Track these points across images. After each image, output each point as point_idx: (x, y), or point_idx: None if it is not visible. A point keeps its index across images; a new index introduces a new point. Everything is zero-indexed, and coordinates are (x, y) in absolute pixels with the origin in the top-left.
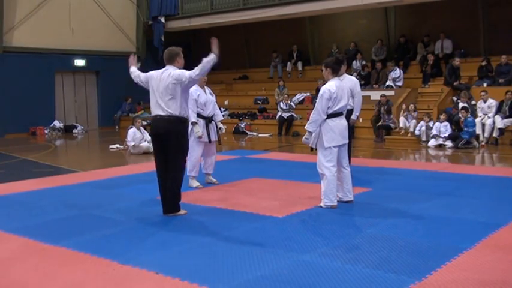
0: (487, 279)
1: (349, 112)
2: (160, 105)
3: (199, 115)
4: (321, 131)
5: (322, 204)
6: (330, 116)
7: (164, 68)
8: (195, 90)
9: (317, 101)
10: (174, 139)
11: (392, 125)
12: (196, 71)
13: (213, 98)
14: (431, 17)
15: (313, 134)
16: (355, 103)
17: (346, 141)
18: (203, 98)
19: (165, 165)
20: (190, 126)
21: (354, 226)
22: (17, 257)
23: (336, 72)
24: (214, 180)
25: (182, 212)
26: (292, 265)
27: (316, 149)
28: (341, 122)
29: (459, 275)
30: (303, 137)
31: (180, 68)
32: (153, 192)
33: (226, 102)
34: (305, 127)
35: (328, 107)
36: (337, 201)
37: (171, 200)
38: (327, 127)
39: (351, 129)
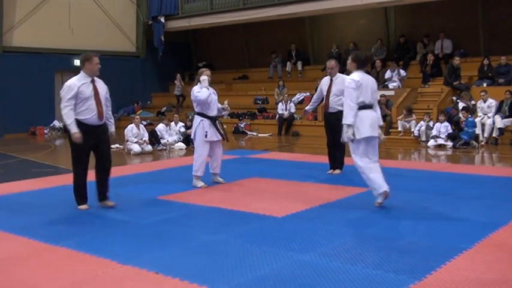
0: (486, 279)
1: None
2: None
3: (204, 115)
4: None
5: None
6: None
7: None
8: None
9: None
10: None
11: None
12: None
13: (216, 98)
14: (431, 17)
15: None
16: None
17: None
18: (210, 97)
19: None
20: (197, 123)
21: (353, 226)
22: (17, 256)
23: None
24: (221, 179)
25: None
26: (292, 265)
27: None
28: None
29: (459, 275)
30: None
31: None
32: (153, 192)
33: (226, 102)
34: None
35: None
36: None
37: None
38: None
39: None
